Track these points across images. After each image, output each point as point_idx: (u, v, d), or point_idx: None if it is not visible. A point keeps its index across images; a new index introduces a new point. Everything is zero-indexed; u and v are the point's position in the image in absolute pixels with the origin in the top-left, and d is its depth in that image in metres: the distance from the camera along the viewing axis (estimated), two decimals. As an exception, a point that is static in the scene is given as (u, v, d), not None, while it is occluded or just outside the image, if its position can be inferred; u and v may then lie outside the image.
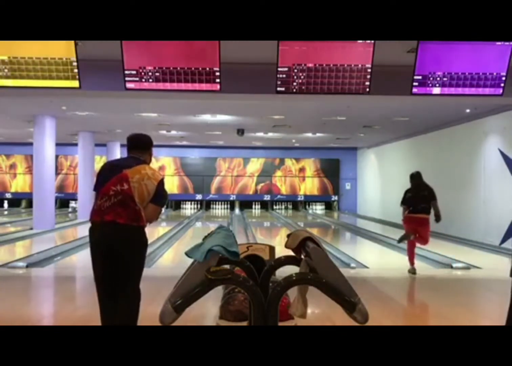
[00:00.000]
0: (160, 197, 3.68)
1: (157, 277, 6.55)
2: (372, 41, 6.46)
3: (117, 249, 3.53)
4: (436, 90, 6.78)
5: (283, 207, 23.46)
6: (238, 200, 22.95)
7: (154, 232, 12.52)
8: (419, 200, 7.56)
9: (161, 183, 3.68)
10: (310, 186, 23.24)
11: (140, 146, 3.84)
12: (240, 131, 15.62)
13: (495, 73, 6.68)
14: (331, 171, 23.12)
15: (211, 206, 23.15)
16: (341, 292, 2.07)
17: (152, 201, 3.63)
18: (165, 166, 22.64)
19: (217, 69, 6.59)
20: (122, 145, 20.34)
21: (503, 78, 6.69)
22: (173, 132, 16.65)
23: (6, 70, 6.69)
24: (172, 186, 22.19)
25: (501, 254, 9.79)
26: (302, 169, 23.18)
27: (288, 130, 15.60)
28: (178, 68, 6.63)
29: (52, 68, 6.66)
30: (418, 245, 7.79)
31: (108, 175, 3.64)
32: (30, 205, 18.62)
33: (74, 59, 6.60)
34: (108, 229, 3.55)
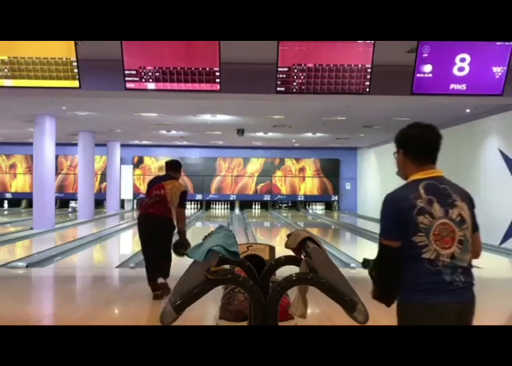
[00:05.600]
0: (182, 202, 5.80)
1: (157, 277, 6.53)
2: (372, 41, 6.46)
3: (155, 229, 5.73)
4: (433, 90, 6.77)
5: (283, 206, 23.47)
6: (238, 200, 22.93)
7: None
8: None
9: (183, 193, 5.81)
10: (310, 185, 23.23)
11: (173, 168, 6.05)
12: (240, 131, 15.60)
13: (495, 73, 6.67)
14: (331, 171, 23.10)
15: (211, 206, 23.13)
16: (341, 292, 2.07)
17: (178, 205, 5.77)
18: (165, 166, 22.60)
19: (217, 69, 6.59)
20: (122, 145, 20.33)
21: (503, 78, 6.68)
22: (173, 132, 16.64)
23: (6, 70, 6.69)
24: (172, 185, 22.13)
25: (501, 254, 9.78)
26: (302, 169, 23.16)
27: (288, 130, 15.59)
28: (178, 68, 6.63)
29: (52, 68, 6.66)
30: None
31: (153, 185, 5.86)
32: (30, 205, 18.61)
33: (74, 59, 6.60)
34: (150, 218, 5.76)
